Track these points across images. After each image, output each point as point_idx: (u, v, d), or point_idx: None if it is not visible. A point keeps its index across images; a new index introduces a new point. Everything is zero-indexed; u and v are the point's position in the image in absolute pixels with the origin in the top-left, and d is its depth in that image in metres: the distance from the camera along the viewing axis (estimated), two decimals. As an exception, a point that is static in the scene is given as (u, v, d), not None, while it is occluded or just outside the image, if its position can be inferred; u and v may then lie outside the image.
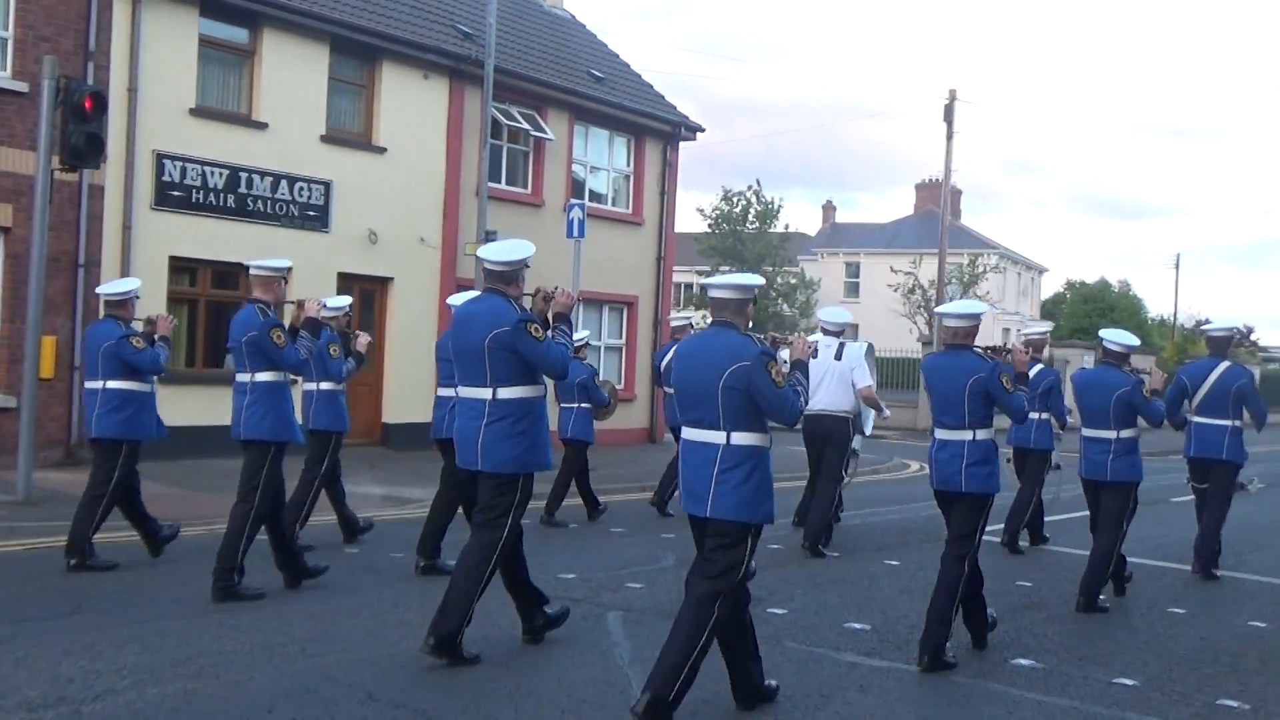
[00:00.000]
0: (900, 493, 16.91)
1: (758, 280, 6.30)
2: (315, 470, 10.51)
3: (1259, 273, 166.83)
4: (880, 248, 59.07)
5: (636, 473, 17.54)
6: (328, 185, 18.52)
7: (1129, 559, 10.05)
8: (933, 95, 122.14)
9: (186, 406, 16.64)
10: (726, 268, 49.38)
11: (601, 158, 23.62)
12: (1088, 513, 9.75)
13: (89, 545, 9.23)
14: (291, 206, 18.11)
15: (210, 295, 17.55)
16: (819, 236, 65.56)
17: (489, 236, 19.14)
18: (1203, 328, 11.71)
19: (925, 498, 15.96)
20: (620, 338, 23.67)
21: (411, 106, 19.76)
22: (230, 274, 17.63)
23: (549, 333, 6.97)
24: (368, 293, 19.41)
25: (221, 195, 17.32)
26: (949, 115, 34.24)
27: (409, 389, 19.52)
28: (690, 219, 69.41)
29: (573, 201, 19.72)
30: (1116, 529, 9.31)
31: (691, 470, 6.05)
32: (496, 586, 7.09)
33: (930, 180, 62.84)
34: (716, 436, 5.94)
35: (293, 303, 9.21)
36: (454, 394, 8.41)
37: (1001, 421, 8.85)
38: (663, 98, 24.94)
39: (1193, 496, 11.36)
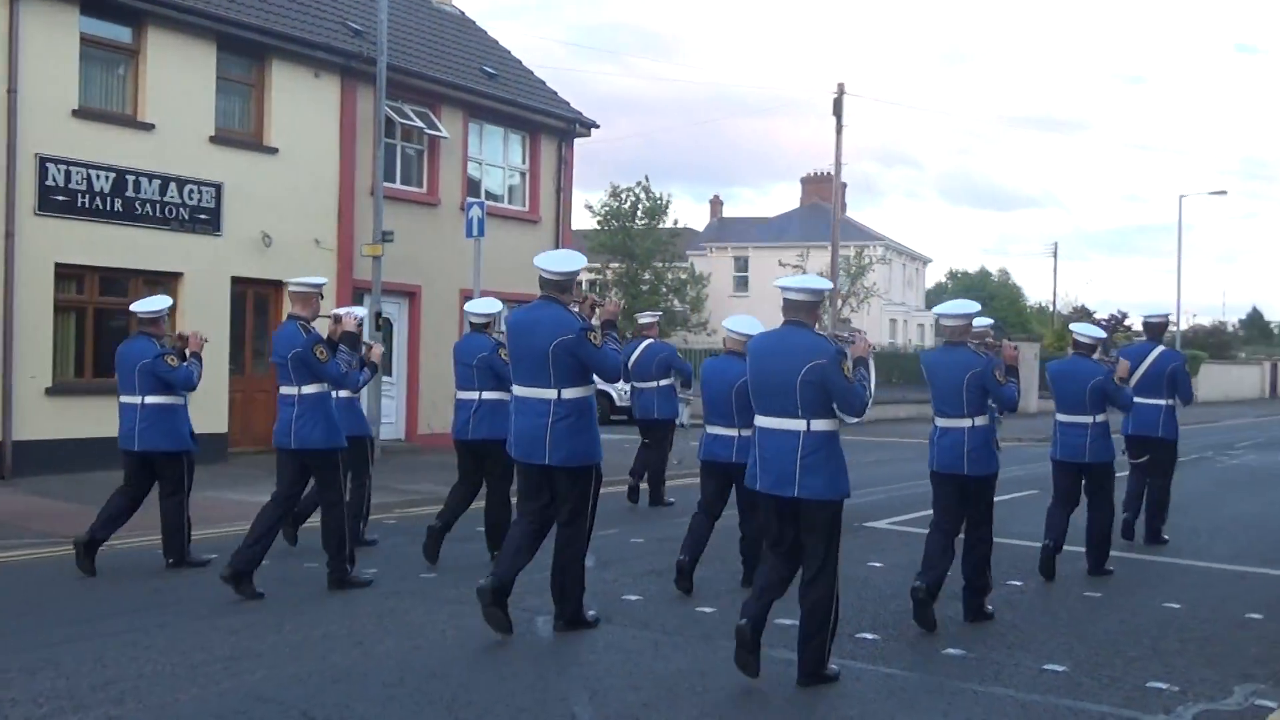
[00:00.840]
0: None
1: (828, 284, 6.85)
2: (365, 475, 11.00)
3: (1127, 259, 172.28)
4: (768, 242, 59.53)
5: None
6: (218, 187, 18.07)
7: (1033, 544, 10.19)
8: (809, 90, 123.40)
9: (74, 418, 16.13)
10: (616, 264, 49.42)
11: (497, 155, 23.41)
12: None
13: (185, 549, 9.93)
14: (181, 210, 17.62)
15: (99, 303, 17.00)
16: (707, 231, 65.86)
17: (385, 237, 18.85)
18: (1145, 316, 12.79)
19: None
20: (519, 337, 23.51)
21: (303, 106, 19.37)
22: (118, 280, 17.12)
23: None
24: (262, 297, 18.99)
25: (108, 199, 16.79)
26: (838, 109, 34.56)
27: (307, 394, 19.13)
28: (579, 216, 69.37)
29: (471, 200, 19.49)
30: (1109, 501, 10.38)
31: (773, 454, 6.62)
32: (446, 587, 6.95)
33: (816, 174, 63.54)
34: (797, 424, 6.56)
35: (328, 317, 9.42)
36: (475, 397, 10.25)
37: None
38: (556, 94, 24.80)
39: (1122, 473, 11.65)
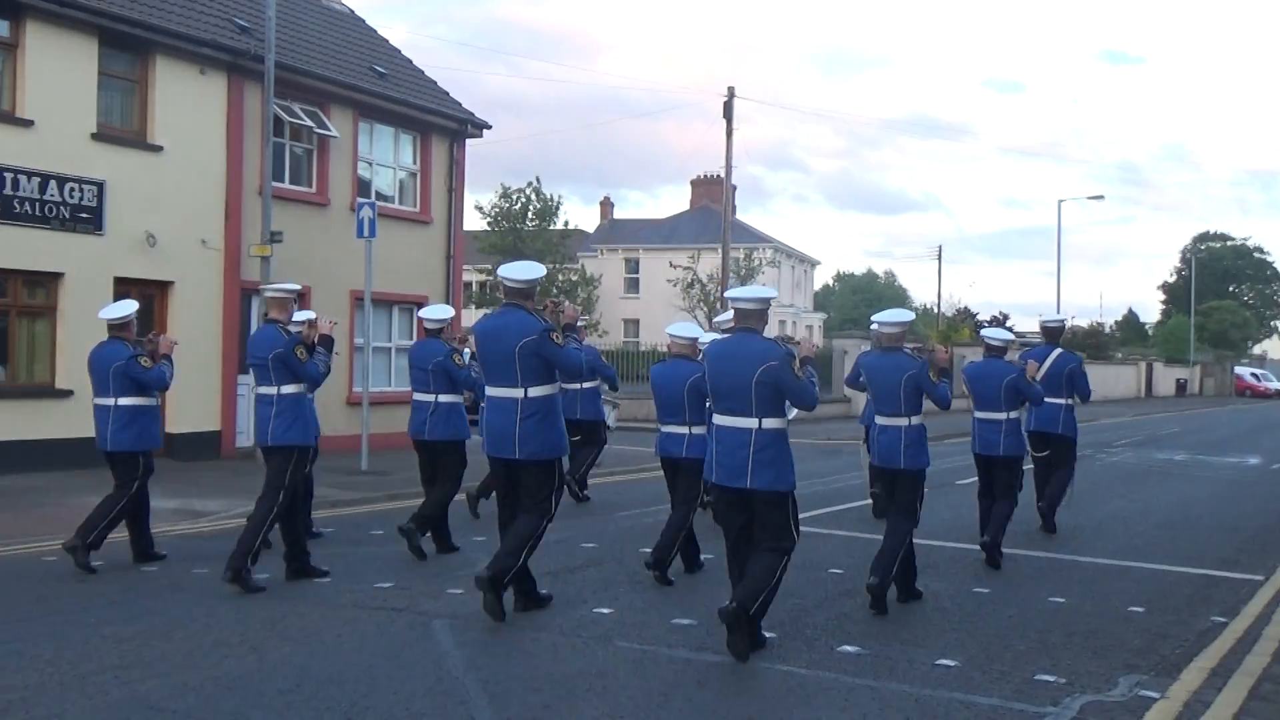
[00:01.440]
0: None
1: (774, 292, 7.58)
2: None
3: (1009, 263, 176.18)
4: (659, 243, 59.79)
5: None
6: (100, 185, 17.62)
7: (927, 543, 10.40)
8: (698, 93, 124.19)
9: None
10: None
11: (388, 155, 23.15)
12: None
13: (98, 538, 9.91)
14: (62, 208, 17.15)
15: (-25, 303, 16.50)
16: (598, 233, 65.91)
17: (274, 237, 18.56)
18: (1042, 320, 13.95)
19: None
20: (411, 339, 23.21)
21: (188, 103, 18.97)
22: (-5, 280, 16.62)
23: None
24: (147, 297, 18.55)
25: (-16, 197, 16.28)
26: (728, 112, 34.81)
27: (193, 396, 18.76)
28: (470, 216, 68.90)
29: (361, 200, 19.25)
30: (1012, 494, 11.14)
31: (727, 451, 7.36)
32: (342, 592, 6.86)
33: (706, 176, 63.98)
34: (750, 423, 7.29)
35: (303, 322, 9.89)
36: (431, 400, 10.96)
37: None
38: (448, 94, 24.61)
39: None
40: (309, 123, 20.77)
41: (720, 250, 37.68)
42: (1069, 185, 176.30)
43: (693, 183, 65.77)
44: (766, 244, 58.27)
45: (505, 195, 49.89)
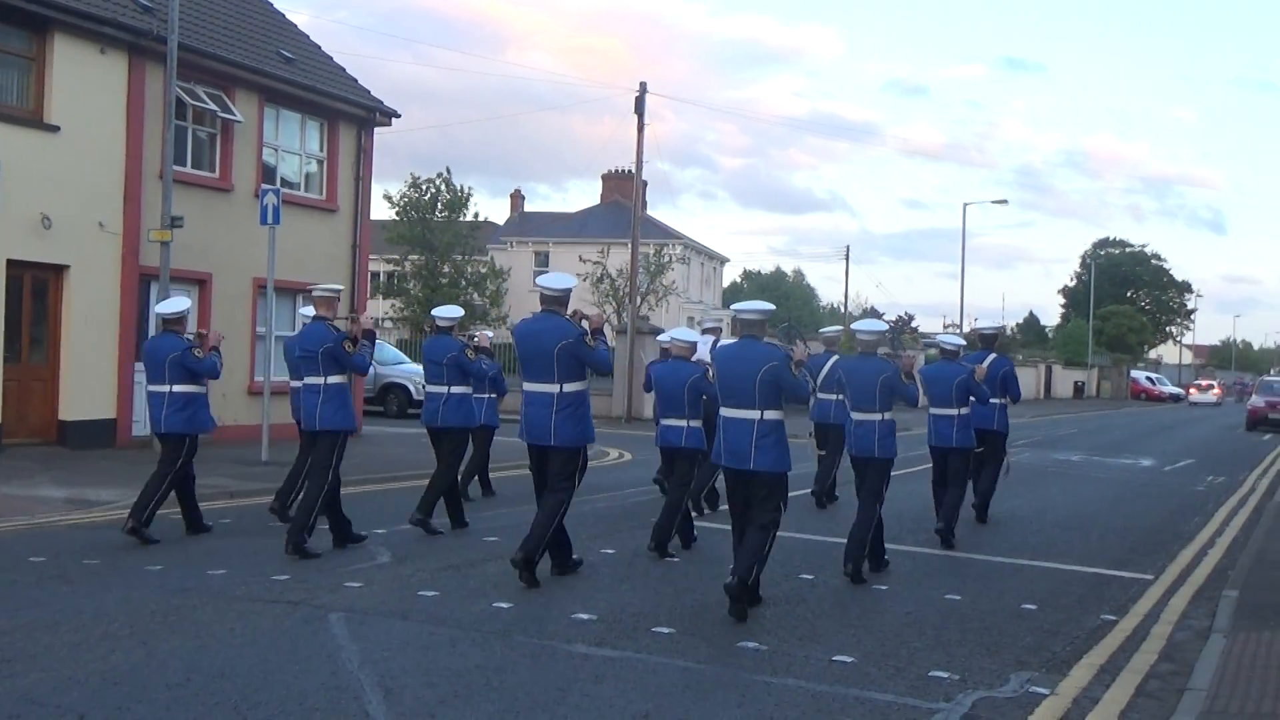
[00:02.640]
0: (605, 480, 17.06)
1: (773, 306, 9.08)
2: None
3: (913, 264, 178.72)
4: (569, 237, 59.58)
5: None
6: (-7, 165, 17.13)
7: (824, 539, 10.48)
8: (608, 88, 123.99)
9: None
10: (416, 256, 48.75)
11: (294, 142, 22.82)
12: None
13: (149, 516, 10.92)
14: (-48, 187, 16.66)
15: None
16: (508, 226, 65.57)
17: (174, 222, 18.19)
18: (976, 326, 15.04)
19: (632, 484, 16.19)
20: (314, 328, 22.94)
21: (87, 83, 18.53)
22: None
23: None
24: (41, 281, 18.11)
25: None
26: (639, 107, 34.80)
27: (88, 383, 18.35)
28: (378, 206, 68.18)
29: (266, 187, 18.94)
30: (964, 481, 12.80)
31: (734, 438, 8.65)
32: (235, 584, 6.71)
33: (617, 171, 63.86)
34: (753, 414, 8.57)
35: (346, 318, 11.24)
36: (444, 390, 12.29)
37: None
38: (356, 81, 24.30)
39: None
40: (212, 106, 20.40)
41: (630, 245, 37.67)
42: (971, 189, 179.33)
43: (604, 177, 65.64)
44: (677, 240, 58.31)
45: (415, 185, 49.29)
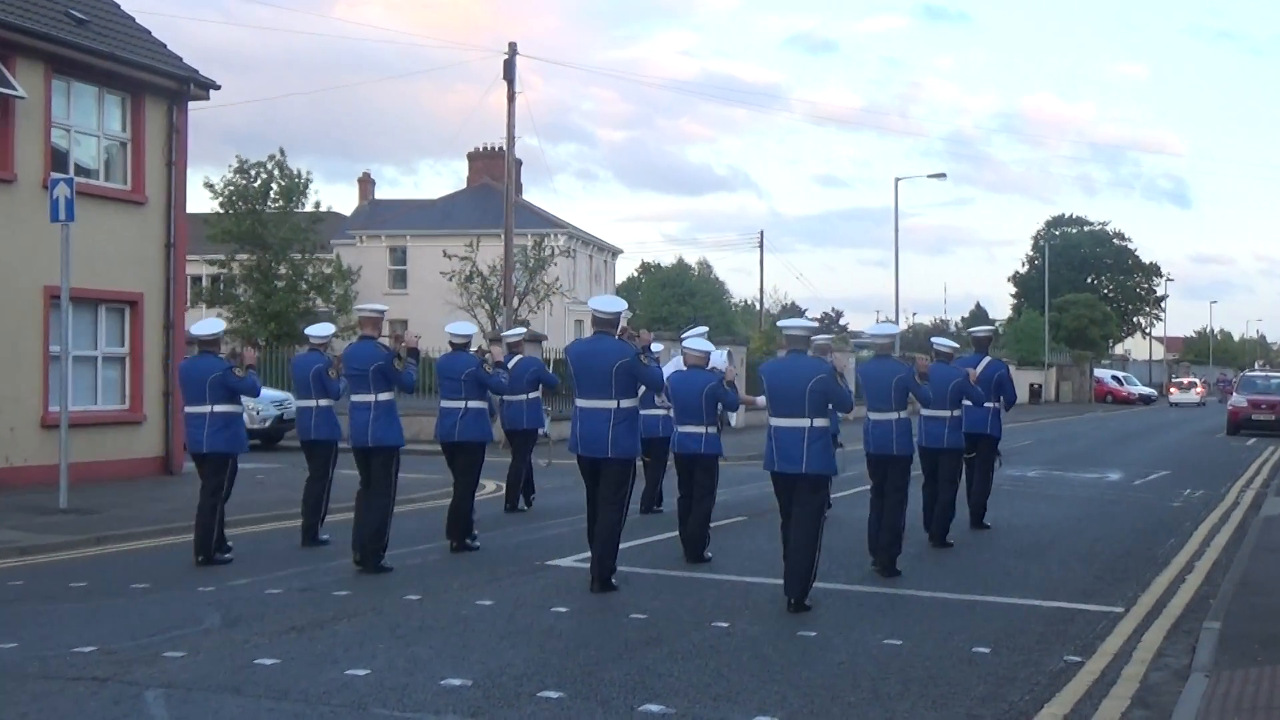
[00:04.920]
0: (481, 517, 16.94)
1: (814, 324, 12.35)
2: (326, 478, 14.58)
3: (836, 251, 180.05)
4: (430, 228, 59.38)
5: (158, 513, 16.75)
6: None
7: (744, 579, 10.52)
8: (464, 51, 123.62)
9: None
10: (246, 255, 48.21)
11: (90, 121, 22.37)
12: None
13: (219, 541, 13.32)
14: None
15: None
16: (357, 217, 65.16)
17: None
18: (970, 330, 18.05)
19: (497, 525, 16.11)
20: (122, 345, 22.51)
21: None
22: None
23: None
24: None
25: None
26: (509, 73, 34.79)
27: None
28: (197, 196, 67.16)
29: (56, 176, 18.57)
30: (954, 484, 15.00)
31: (786, 444, 10.99)
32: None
33: (485, 150, 63.77)
34: (803, 422, 10.93)
35: (390, 336, 13.53)
36: (461, 405, 14.56)
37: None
38: (165, 46, 23.92)
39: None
40: (-11, 79, 19.96)
41: (504, 236, 37.58)
42: (895, 161, 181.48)
43: (470, 157, 65.46)
44: (559, 229, 58.37)
45: (242, 171, 48.73)
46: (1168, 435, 41.74)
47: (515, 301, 39.36)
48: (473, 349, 15.36)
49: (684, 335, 15.83)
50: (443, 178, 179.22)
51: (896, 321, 60.77)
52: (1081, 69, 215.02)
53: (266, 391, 30.61)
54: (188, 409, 13.59)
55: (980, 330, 17.37)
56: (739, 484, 20.68)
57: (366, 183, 68.56)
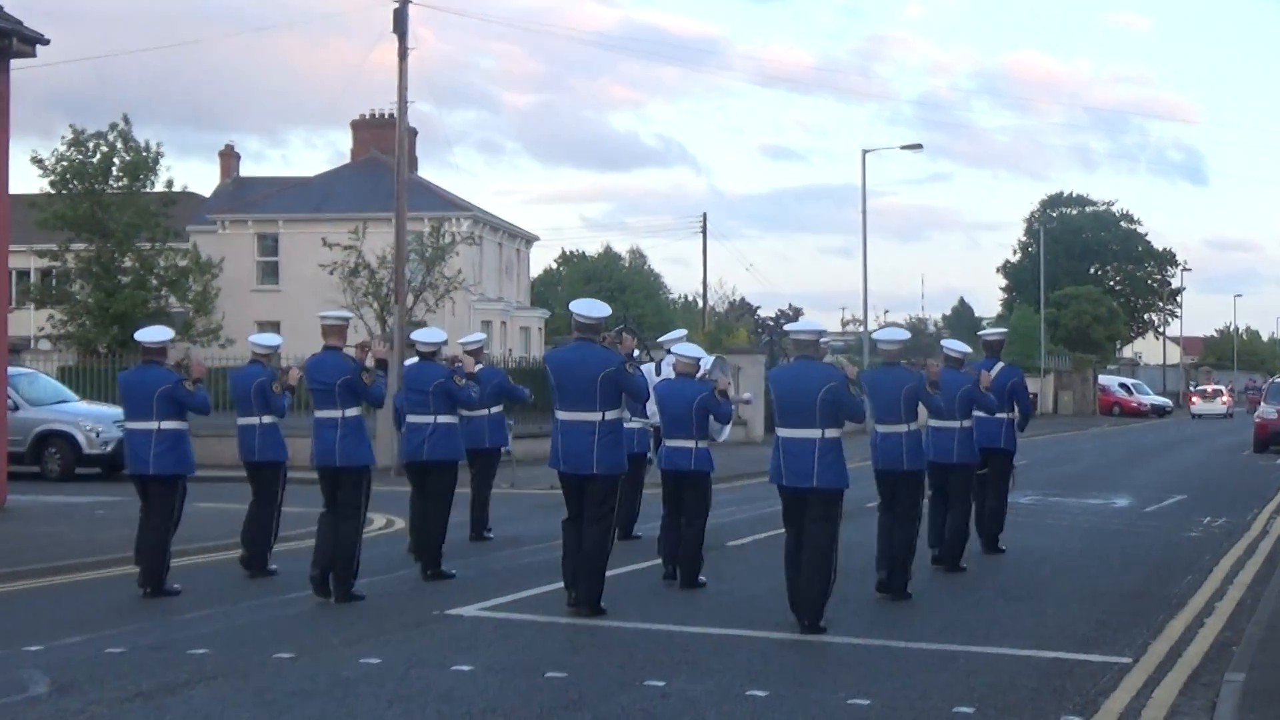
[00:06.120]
0: (371, 557, 16.84)
1: (824, 326, 12.80)
2: (275, 503, 15.55)
3: (791, 236, 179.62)
4: (307, 212, 59.08)
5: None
6: None
7: (690, 629, 10.49)
8: (347, 1, 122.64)
9: None
10: (83, 245, 47.75)
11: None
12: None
13: (165, 577, 14.18)
14: None
15: None
16: (219, 198, 64.71)
17: None
18: (981, 333, 18.94)
19: (404, 563, 16.08)
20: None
21: None
22: None
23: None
24: None
25: None
26: (400, 24, 34.59)
27: None
28: (23, 174, 66.59)
29: None
30: (967, 502, 16.23)
31: (795, 456, 12.12)
32: None
33: (373, 117, 63.54)
34: (814, 433, 12.06)
35: (356, 346, 14.32)
36: (430, 421, 15.52)
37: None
38: (-19, -8, 23.67)
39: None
40: None
41: (395, 221, 37.35)
42: (857, 129, 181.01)
43: (354, 126, 65.20)
44: (462, 213, 58.27)
45: (77, 143, 48.30)
46: (1184, 453, 42.13)
47: (410, 299, 39.19)
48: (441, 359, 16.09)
49: (666, 340, 16.98)
50: (319, 151, 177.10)
51: (866, 322, 61.00)
52: (1074, 20, 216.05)
53: (103, 408, 30.36)
54: (130, 425, 14.35)
55: (992, 333, 18.38)
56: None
57: (229, 157, 68.03)
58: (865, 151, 58.57)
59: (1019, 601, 14.15)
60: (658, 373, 16.87)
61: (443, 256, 46.56)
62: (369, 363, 13.88)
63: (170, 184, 50.79)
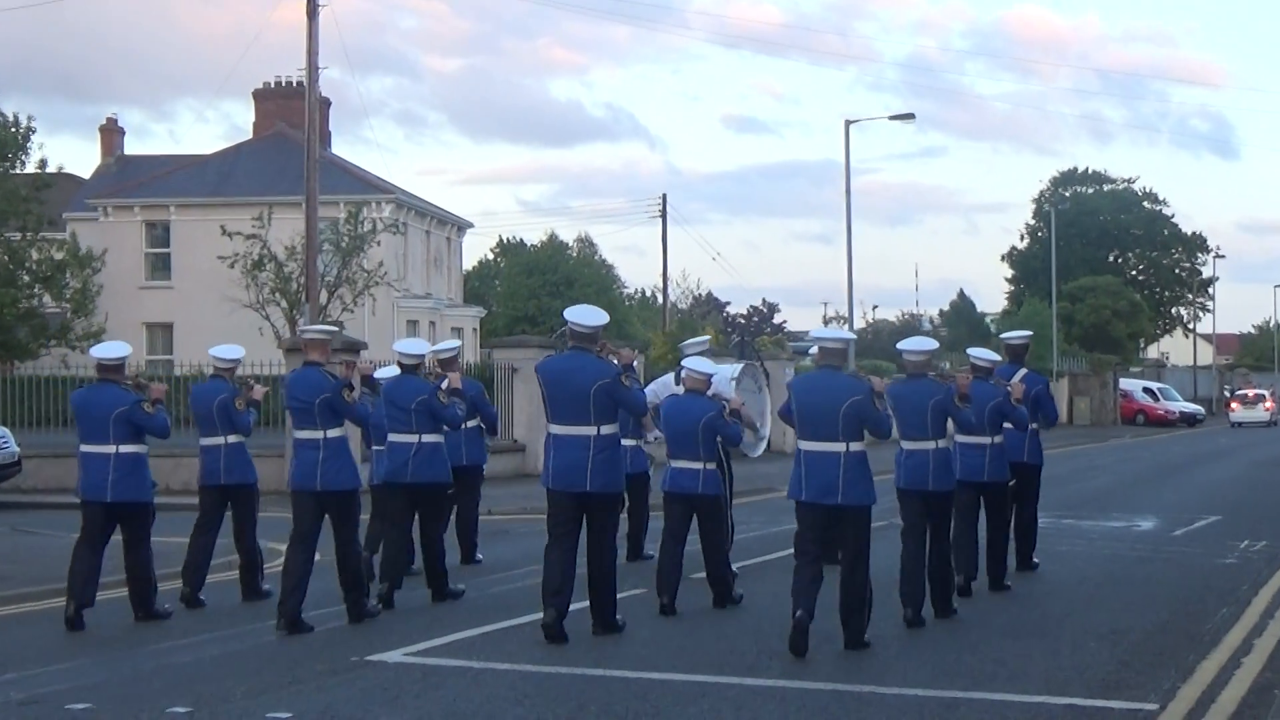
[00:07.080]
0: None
1: (853, 336, 15.02)
2: (253, 528, 16.52)
3: (762, 221, 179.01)
4: (203, 196, 58.92)
5: None
6: None
7: (649, 676, 10.47)
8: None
9: None
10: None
11: None
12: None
13: (154, 599, 15.26)
14: None
15: None
16: (101, 180, 64.45)
17: None
18: (1003, 336, 20.38)
19: (331, 599, 16.10)
20: None
21: None
22: None
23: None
24: None
25: None
26: (310, -22, 34.57)
27: None
28: None
29: None
30: (1005, 520, 17.22)
31: (819, 471, 12.90)
32: None
33: (278, 85, 63.34)
34: (839, 447, 12.86)
35: (341, 363, 15.50)
36: (414, 440, 16.04)
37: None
38: None
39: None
40: None
41: (305, 206, 37.22)
42: (834, 97, 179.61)
43: (256, 95, 65.06)
44: (383, 196, 58.18)
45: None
46: (1218, 468, 42.19)
47: (323, 296, 39.10)
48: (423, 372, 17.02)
49: (684, 348, 18.04)
50: (215, 126, 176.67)
51: (852, 319, 61.04)
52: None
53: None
54: (85, 448, 14.97)
55: (1015, 337, 19.56)
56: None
57: (111, 133, 67.72)
58: (849, 122, 57.56)
59: (1027, 640, 14.14)
60: (676, 382, 17.34)
61: (361, 247, 46.52)
62: (354, 379, 14.75)
63: (43, 164, 50.65)
